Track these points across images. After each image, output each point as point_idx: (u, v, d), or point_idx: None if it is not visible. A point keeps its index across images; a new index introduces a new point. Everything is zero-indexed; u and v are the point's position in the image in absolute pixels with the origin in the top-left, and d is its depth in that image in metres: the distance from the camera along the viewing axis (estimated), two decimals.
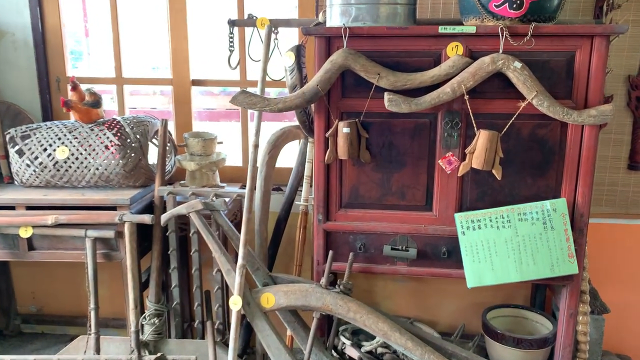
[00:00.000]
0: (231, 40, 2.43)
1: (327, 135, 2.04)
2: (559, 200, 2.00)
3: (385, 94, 1.93)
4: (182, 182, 2.63)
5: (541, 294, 2.62)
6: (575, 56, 1.88)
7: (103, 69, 2.91)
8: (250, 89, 2.04)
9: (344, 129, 2.00)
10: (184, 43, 2.75)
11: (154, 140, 2.61)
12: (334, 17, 2.03)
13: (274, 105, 1.99)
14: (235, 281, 2.08)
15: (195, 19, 2.81)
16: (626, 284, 2.67)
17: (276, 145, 2.44)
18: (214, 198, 2.30)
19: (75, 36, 4.36)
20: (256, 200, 2.47)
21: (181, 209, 2.19)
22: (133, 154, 2.43)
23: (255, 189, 2.08)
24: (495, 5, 1.87)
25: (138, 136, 2.45)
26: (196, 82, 2.82)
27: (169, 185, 2.66)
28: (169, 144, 2.75)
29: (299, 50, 2.13)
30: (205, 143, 2.50)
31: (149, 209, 2.48)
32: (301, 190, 2.56)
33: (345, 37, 1.93)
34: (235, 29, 2.55)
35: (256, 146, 2.10)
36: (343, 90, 2.04)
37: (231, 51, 2.44)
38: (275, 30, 2.39)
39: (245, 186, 2.64)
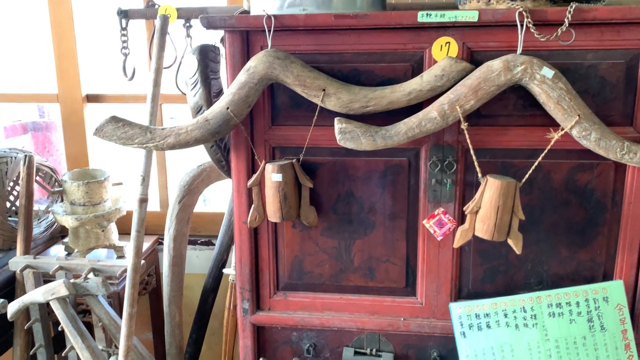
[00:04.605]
0: (125, 39, 1.77)
1: (249, 185, 1.37)
2: (612, 283, 1.34)
3: (336, 121, 1.26)
4: (65, 240, 1.95)
5: None
6: (639, 58, 1.22)
7: None
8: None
9: (273, 175, 1.33)
10: (71, 44, 2.08)
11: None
12: (262, 2, 1.37)
13: (160, 139, 1.32)
14: None
15: (88, 14, 2.15)
16: None
17: (191, 190, 1.77)
18: (89, 276, 1.61)
19: None
20: (164, 269, 1.80)
21: (36, 296, 1.52)
22: None
23: (138, 270, 1.40)
24: None
25: None
26: (92, 99, 2.14)
27: (57, 250, 2.00)
28: (57, 187, 2.07)
29: (205, 54, 1.46)
30: (89, 188, 1.82)
31: (8, 284, 1.80)
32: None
33: (269, 30, 1.26)
34: (138, 24, 1.90)
35: (143, 201, 1.43)
36: (273, 114, 1.38)
37: (125, 55, 1.78)
38: (188, 24, 1.74)
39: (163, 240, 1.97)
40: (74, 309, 1.78)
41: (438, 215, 1.37)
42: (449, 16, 1.20)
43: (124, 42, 1.77)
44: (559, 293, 1.35)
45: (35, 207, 2.07)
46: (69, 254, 1.90)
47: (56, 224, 2.09)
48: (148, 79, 1.49)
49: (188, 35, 1.76)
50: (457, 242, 1.32)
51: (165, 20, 1.50)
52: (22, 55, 3.36)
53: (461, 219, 1.36)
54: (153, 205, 2.26)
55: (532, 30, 1.18)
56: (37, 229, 2.05)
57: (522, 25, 1.18)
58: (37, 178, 2.06)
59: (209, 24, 1.29)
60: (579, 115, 1.19)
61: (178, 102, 2.12)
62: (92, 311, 1.60)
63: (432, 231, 1.38)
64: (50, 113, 4.69)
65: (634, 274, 1.34)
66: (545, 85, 1.18)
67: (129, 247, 1.51)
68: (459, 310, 1.39)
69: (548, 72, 1.18)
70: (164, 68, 1.67)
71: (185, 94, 1.75)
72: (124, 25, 1.75)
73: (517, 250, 1.28)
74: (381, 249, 1.43)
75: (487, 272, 1.40)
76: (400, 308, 1.46)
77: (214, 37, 1.72)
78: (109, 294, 1.62)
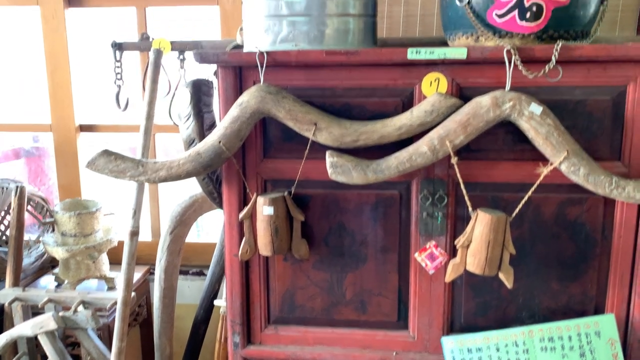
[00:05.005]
0: (119, 70, 1.79)
1: (240, 218, 1.38)
2: (603, 317, 1.34)
3: (327, 155, 1.28)
4: (55, 271, 1.93)
5: None
6: (626, 93, 1.25)
7: None
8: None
9: (265, 208, 1.33)
10: (65, 75, 2.10)
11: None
12: (255, 37, 1.38)
13: (152, 172, 1.33)
14: None
15: (83, 45, 2.17)
16: None
17: (182, 221, 1.77)
18: (78, 308, 1.60)
19: None
20: (155, 301, 1.79)
21: (24, 329, 1.51)
22: None
23: (128, 303, 1.40)
24: (497, 15, 1.24)
25: None
26: (85, 128, 2.16)
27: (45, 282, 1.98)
28: (48, 217, 2.06)
29: (198, 88, 1.48)
30: (80, 219, 1.82)
31: None
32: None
33: (261, 66, 1.28)
34: (132, 54, 1.92)
35: (134, 234, 1.43)
36: (265, 148, 1.39)
37: (119, 86, 1.80)
38: (181, 56, 1.76)
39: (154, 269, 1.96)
40: (63, 341, 1.77)
41: (430, 249, 1.38)
42: (438, 53, 1.23)
43: (117, 74, 1.79)
44: (550, 327, 1.35)
45: (26, 236, 2.07)
46: (59, 285, 1.88)
47: (46, 254, 2.08)
48: (141, 111, 1.50)
49: (182, 67, 1.78)
50: (449, 277, 1.32)
51: (159, 53, 1.53)
52: (16, 84, 3.39)
53: (453, 252, 1.36)
54: (145, 235, 2.25)
55: (520, 68, 1.20)
56: (27, 259, 2.03)
57: (510, 63, 1.21)
58: (29, 207, 2.06)
59: (202, 59, 1.31)
60: (567, 151, 1.20)
61: (171, 132, 2.14)
62: (81, 345, 1.59)
63: (423, 264, 1.38)
64: (44, 139, 4.72)
65: (625, 308, 1.35)
66: (533, 121, 1.20)
67: (119, 278, 1.50)
68: (451, 345, 1.38)
69: (536, 108, 1.20)
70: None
71: (178, 126, 1.77)
72: (118, 58, 1.77)
73: (508, 284, 1.29)
74: (373, 282, 1.43)
75: (479, 306, 1.40)
76: (392, 342, 1.45)
77: (208, 69, 1.75)
78: (98, 327, 1.60)
